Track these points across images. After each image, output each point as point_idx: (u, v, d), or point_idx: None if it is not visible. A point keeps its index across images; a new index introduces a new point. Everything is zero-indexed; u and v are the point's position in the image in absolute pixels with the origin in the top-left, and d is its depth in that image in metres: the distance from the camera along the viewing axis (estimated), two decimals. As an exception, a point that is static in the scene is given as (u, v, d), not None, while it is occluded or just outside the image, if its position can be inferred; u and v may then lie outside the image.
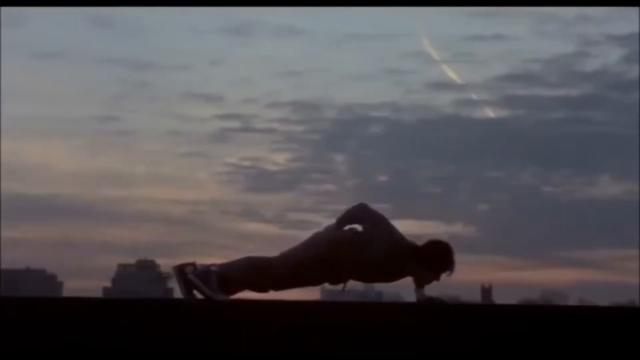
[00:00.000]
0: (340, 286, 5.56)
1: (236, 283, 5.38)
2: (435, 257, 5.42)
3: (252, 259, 5.46)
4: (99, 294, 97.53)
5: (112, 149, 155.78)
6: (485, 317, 5.01)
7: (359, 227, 5.50)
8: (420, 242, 5.48)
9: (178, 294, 5.41)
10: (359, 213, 5.50)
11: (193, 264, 5.36)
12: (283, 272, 5.42)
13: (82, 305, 4.98)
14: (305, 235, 5.55)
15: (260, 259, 5.46)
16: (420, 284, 5.46)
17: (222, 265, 5.41)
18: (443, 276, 5.45)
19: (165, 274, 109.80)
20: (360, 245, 5.40)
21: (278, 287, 5.48)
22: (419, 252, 5.42)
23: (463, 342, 4.74)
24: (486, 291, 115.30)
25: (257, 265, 5.42)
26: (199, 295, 5.35)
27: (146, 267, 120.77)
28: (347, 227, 5.50)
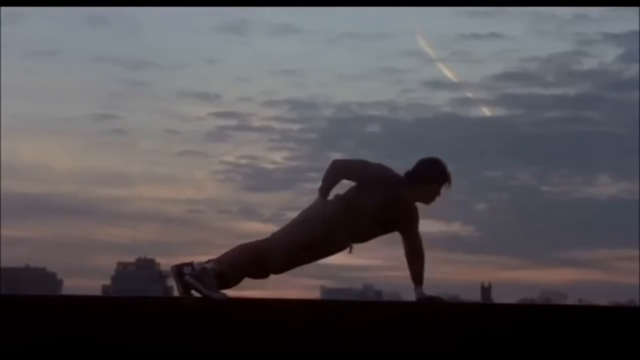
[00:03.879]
0: (347, 250, 5.50)
1: (232, 279, 5.37)
2: (432, 172, 5.38)
3: (244, 250, 5.42)
4: (98, 292, 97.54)
5: (109, 147, 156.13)
6: (485, 316, 5.01)
7: (341, 191, 5.44)
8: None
9: (177, 292, 5.41)
10: (337, 171, 5.40)
11: (191, 264, 5.34)
12: (279, 258, 5.38)
13: (81, 303, 4.98)
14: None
15: (252, 250, 5.41)
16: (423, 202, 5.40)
17: (217, 261, 5.38)
18: (443, 189, 5.40)
19: (164, 273, 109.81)
20: (351, 211, 5.35)
21: (276, 271, 5.45)
22: (412, 174, 5.38)
23: (463, 341, 4.74)
24: (486, 290, 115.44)
25: (250, 258, 5.38)
26: (197, 294, 5.34)
27: (146, 266, 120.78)
28: (332, 195, 5.43)
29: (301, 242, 5.36)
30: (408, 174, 5.40)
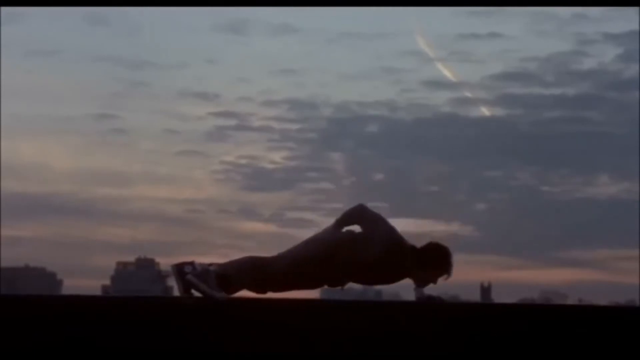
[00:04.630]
0: (338, 288, 5.58)
1: (235, 282, 5.39)
2: (434, 259, 5.43)
3: (251, 259, 5.47)
4: (98, 292, 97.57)
5: (109, 147, 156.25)
6: (485, 316, 5.01)
7: (357, 229, 5.51)
8: (419, 244, 5.49)
9: (177, 292, 5.42)
10: (357, 214, 5.52)
11: (192, 263, 5.36)
12: (281, 273, 5.42)
13: (81, 303, 4.98)
14: (302, 233, 5.60)
15: (259, 259, 5.47)
16: (417, 283, 5.48)
17: (221, 265, 5.42)
18: (440, 280, 5.46)
19: (164, 272, 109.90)
20: (358, 246, 5.41)
21: (276, 288, 5.49)
22: (417, 253, 5.43)
23: (462, 341, 4.74)
24: (485, 290, 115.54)
25: (256, 265, 5.42)
26: (197, 294, 5.35)
27: (145, 266, 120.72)
28: (345, 229, 5.51)
29: (306, 257, 5.41)
30: (414, 249, 5.44)
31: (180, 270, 5.32)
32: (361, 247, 5.41)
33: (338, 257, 5.39)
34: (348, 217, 5.52)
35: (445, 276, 5.46)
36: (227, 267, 5.38)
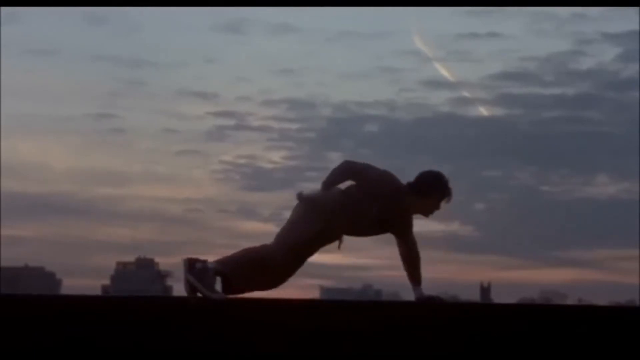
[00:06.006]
0: (336, 244, 5.52)
1: (240, 277, 5.36)
2: (429, 186, 5.39)
3: (250, 249, 5.42)
4: (97, 291, 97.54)
5: (108, 147, 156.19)
6: (485, 316, 5.01)
7: (344, 184, 5.46)
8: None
9: (177, 292, 5.43)
10: (345, 173, 5.45)
11: (204, 262, 5.30)
12: (281, 266, 5.40)
13: (81, 303, 4.97)
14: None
15: (255, 256, 5.42)
16: (424, 215, 5.42)
17: (220, 262, 5.38)
18: (443, 204, 5.41)
19: (164, 272, 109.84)
20: (352, 208, 5.36)
21: (283, 276, 5.45)
22: (412, 187, 5.39)
23: (462, 341, 4.74)
24: (485, 290, 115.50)
25: (254, 264, 5.39)
26: (199, 294, 5.35)
27: (145, 265, 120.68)
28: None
29: (300, 242, 5.38)
30: (410, 185, 5.41)
31: (191, 265, 5.26)
32: (355, 208, 5.35)
33: (335, 225, 5.35)
34: (337, 175, 5.43)
35: (446, 199, 5.42)
36: (226, 264, 5.34)
